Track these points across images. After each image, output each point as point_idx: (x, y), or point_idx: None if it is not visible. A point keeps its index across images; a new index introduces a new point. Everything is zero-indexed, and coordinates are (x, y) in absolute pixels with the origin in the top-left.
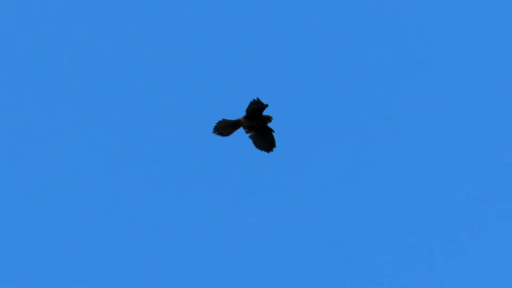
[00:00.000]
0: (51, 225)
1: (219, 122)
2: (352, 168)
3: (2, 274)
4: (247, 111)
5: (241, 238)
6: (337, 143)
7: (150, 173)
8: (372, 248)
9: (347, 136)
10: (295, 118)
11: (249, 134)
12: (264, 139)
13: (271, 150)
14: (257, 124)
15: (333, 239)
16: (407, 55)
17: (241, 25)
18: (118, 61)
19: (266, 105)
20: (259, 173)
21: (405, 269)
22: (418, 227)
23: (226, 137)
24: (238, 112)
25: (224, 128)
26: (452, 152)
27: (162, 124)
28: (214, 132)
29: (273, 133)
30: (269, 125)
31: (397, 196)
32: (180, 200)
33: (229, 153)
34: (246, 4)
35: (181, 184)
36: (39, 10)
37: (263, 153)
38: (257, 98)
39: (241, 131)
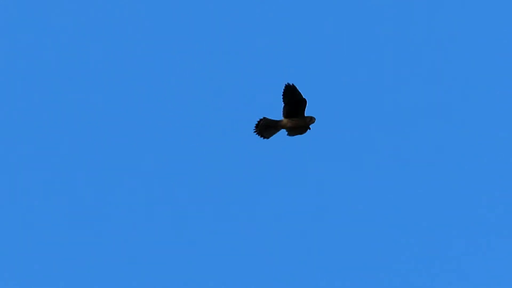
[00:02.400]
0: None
1: (262, 120)
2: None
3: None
4: (286, 106)
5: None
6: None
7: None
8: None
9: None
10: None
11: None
12: (296, 132)
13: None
14: (298, 126)
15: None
16: (407, 55)
17: (240, 25)
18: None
19: (304, 100)
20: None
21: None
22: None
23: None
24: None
25: (266, 128)
26: (457, 153)
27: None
28: (255, 132)
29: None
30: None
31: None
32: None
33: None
34: (246, 5)
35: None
36: (38, 9)
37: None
38: (292, 84)
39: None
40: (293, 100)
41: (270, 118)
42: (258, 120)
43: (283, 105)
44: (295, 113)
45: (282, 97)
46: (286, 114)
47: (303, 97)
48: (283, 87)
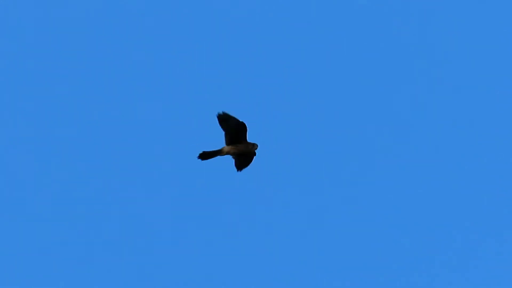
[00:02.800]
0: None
1: (201, 153)
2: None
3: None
4: (227, 134)
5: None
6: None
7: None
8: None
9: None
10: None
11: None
12: (243, 160)
13: (240, 170)
14: (242, 152)
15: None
16: (406, 55)
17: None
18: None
19: (242, 123)
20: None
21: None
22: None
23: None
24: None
25: (207, 157)
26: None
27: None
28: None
29: (254, 157)
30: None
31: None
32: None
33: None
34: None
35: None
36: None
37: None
38: (222, 113)
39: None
40: (232, 126)
41: (209, 150)
42: (199, 154)
43: (224, 133)
44: (237, 139)
45: (220, 126)
46: (229, 141)
47: (240, 120)
48: (216, 118)
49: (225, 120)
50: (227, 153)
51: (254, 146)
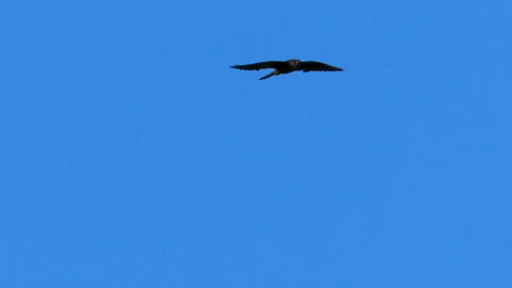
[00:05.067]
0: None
1: (260, 78)
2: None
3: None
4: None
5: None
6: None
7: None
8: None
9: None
10: None
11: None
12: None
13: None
14: (289, 70)
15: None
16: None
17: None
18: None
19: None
20: None
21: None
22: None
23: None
24: None
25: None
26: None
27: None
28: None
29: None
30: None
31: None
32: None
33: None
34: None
35: None
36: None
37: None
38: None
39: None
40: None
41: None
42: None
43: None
44: (277, 67)
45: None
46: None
47: (265, 62)
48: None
49: (256, 67)
50: (279, 74)
51: (296, 62)
